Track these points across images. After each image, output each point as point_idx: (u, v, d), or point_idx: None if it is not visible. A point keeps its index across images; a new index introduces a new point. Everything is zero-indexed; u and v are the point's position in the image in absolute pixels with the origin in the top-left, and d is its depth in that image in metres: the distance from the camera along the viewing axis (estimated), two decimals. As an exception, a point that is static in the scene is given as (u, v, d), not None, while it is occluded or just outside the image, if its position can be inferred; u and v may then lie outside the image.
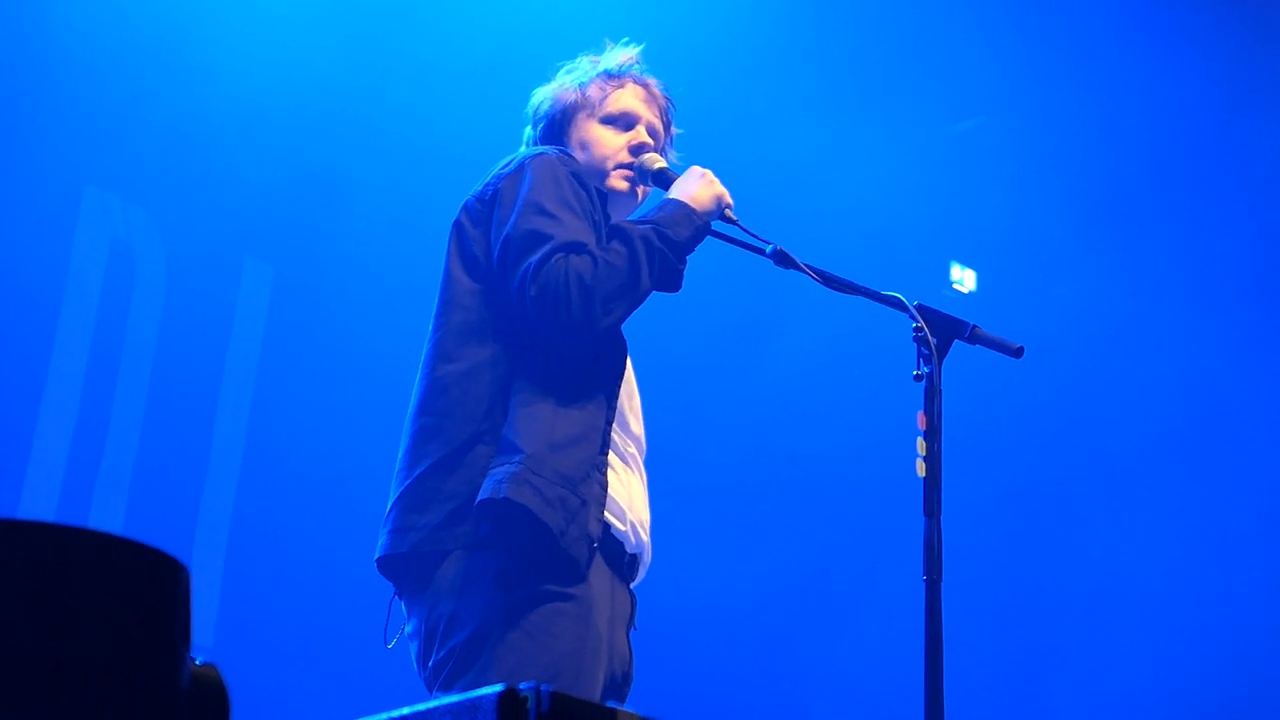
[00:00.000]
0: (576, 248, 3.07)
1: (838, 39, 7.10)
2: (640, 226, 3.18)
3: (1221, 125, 7.12)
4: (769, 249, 3.31)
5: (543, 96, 3.54)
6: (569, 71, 3.54)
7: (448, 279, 3.23)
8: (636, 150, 3.44)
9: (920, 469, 3.03)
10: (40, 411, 5.80)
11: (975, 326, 3.20)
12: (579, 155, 3.41)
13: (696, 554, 6.86)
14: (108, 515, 5.84)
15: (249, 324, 6.42)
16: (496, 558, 2.97)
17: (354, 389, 6.39)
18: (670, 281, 3.19)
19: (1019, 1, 7.05)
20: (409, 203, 6.53)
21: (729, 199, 3.32)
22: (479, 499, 2.96)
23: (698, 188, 3.29)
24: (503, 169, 3.28)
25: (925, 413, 3.06)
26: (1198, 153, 7.18)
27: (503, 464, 2.99)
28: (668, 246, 3.15)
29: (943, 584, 2.96)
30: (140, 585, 1.60)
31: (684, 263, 3.22)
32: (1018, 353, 3.19)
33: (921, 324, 3.13)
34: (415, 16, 6.63)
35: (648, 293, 3.15)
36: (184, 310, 6.20)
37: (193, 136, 6.24)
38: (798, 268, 3.28)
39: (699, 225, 3.25)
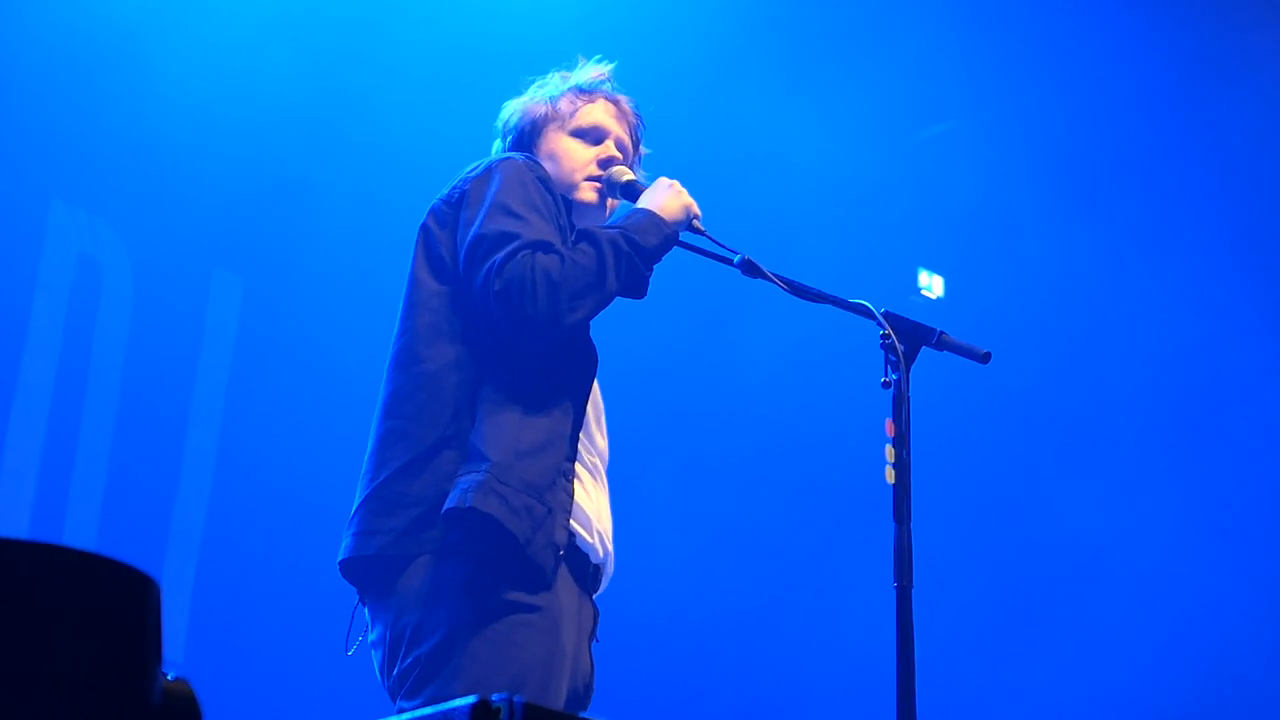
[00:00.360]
0: (543, 246, 3.09)
1: (803, 44, 7.11)
2: (608, 231, 3.20)
3: (1190, 118, 7.16)
4: (736, 259, 3.33)
5: (512, 109, 3.56)
6: (540, 86, 3.57)
7: (413, 282, 3.25)
8: (605, 164, 3.46)
9: (890, 476, 3.04)
10: (9, 429, 5.77)
11: (942, 333, 3.21)
12: (547, 166, 3.42)
13: (664, 561, 6.86)
14: (80, 531, 5.81)
15: (219, 337, 6.39)
16: (463, 566, 2.97)
17: (326, 400, 6.37)
18: (636, 287, 3.21)
19: (985, 5, 7.09)
20: (378, 210, 6.51)
21: (697, 209, 3.34)
22: (445, 508, 2.96)
23: (666, 197, 3.32)
24: (470, 172, 3.30)
25: (894, 420, 3.07)
26: (1167, 150, 7.22)
27: (469, 472, 2.99)
28: (635, 252, 3.17)
29: (914, 590, 2.97)
30: (111, 601, 1.60)
31: (651, 270, 3.24)
32: (985, 358, 3.21)
33: (889, 331, 3.15)
34: (381, 22, 6.62)
35: (613, 295, 3.17)
36: (152, 324, 6.17)
37: (158, 149, 6.21)
38: (765, 277, 3.30)
39: (667, 234, 3.27)
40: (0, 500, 5.69)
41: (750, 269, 3.31)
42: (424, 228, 3.29)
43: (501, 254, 3.06)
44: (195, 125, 6.24)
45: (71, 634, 1.55)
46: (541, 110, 3.51)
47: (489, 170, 3.26)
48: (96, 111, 6.04)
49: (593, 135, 3.49)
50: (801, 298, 3.32)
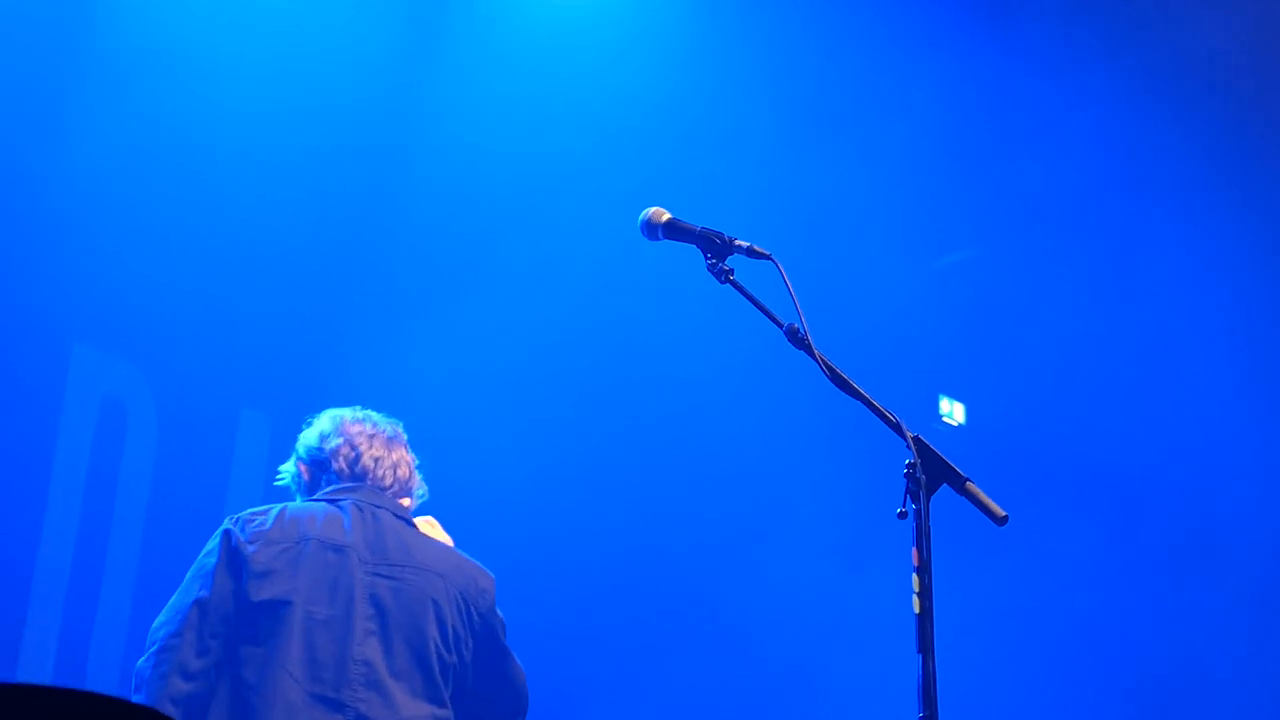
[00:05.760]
0: None
1: (822, 173, 7.19)
2: None
3: (1200, 248, 7.23)
4: (785, 325, 3.30)
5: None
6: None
7: None
8: None
9: (915, 605, 3.01)
10: (35, 573, 5.74)
11: (969, 480, 3.11)
12: None
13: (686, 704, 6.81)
14: (104, 673, 5.78)
15: (247, 476, 6.37)
16: None
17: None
18: None
19: (997, 137, 7.18)
20: (406, 345, 6.54)
21: None
22: None
23: None
24: None
25: (916, 549, 3.04)
26: (1179, 282, 7.27)
27: None
28: None
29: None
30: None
31: None
32: (1001, 521, 3.12)
33: (916, 461, 3.08)
34: (399, 156, 6.71)
35: None
36: (179, 464, 6.16)
37: (184, 289, 6.22)
38: (809, 352, 3.27)
39: None
40: (26, 645, 5.67)
41: (796, 339, 3.28)
42: None
43: None
44: (219, 263, 6.27)
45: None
46: None
47: None
48: (117, 253, 6.05)
49: None
50: (836, 386, 3.26)
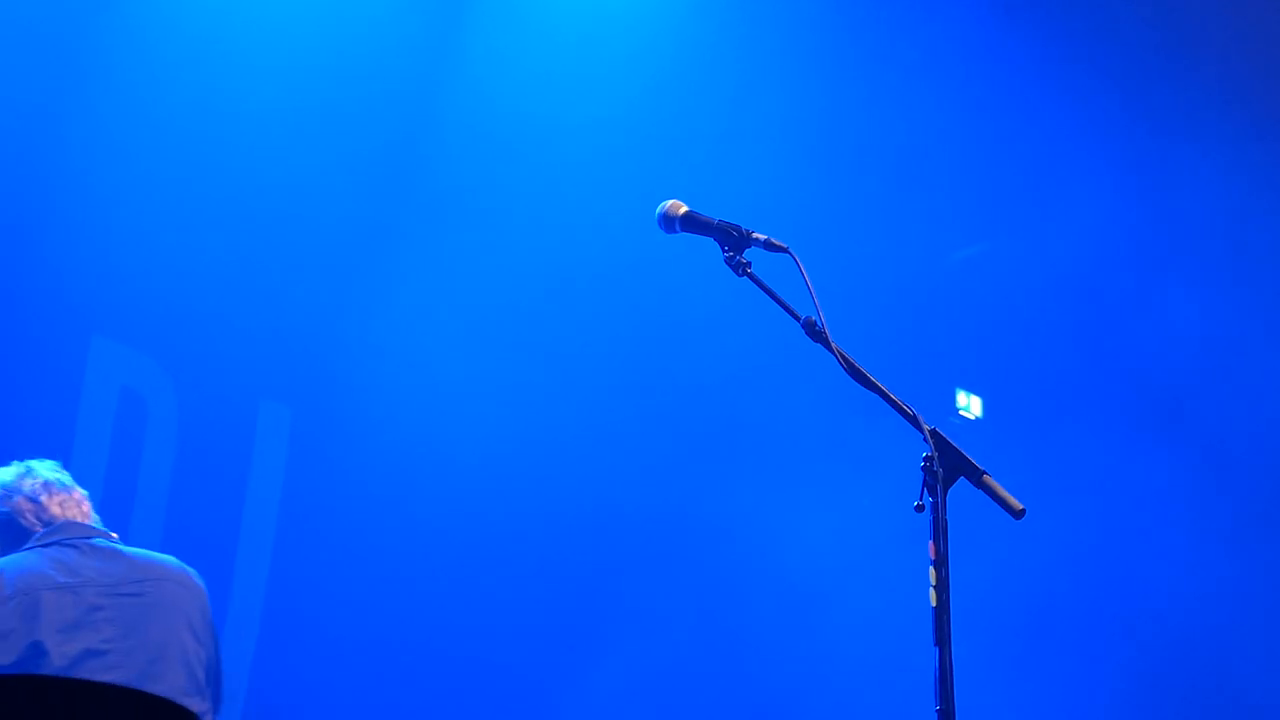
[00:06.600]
0: None
1: (840, 166, 7.19)
2: None
3: (1220, 241, 7.21)
4: (802, 317, 3.30)
5: None
6: None
7: None
8: None
9: (933, 598, 3.01)
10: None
11: (986, 473, 3.12)
12: None
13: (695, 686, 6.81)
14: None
15: (268, 468, 6.37)
16: None
17: (380, 532, 6.33)
18: None
19: (1014, 129, 7.17)
20: (426, 338, 6.55)
21: None
22: None
23: None
24: None
25: (934, 542, 3.05)
26: (1195, 276, 7.25)
27: None
28: None
29: (956, 715, 2.94)
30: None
31: None
32: (1018, 514, 3.12)
33: (933, 454, 3.09)
34: (419, 151, 6.73)
35: None
36: (198, 458, 6.16)
37: (203, 280, 6.23)
38: (827, 345, 3.27)
39: None
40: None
41: (813, 332, 3.29)
42: None
43: None
44: (238, 254, 6.28)
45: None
46: None
47: None
48: (135, 246, 6.06)
49: None
50: (854, 379, 3.27)
